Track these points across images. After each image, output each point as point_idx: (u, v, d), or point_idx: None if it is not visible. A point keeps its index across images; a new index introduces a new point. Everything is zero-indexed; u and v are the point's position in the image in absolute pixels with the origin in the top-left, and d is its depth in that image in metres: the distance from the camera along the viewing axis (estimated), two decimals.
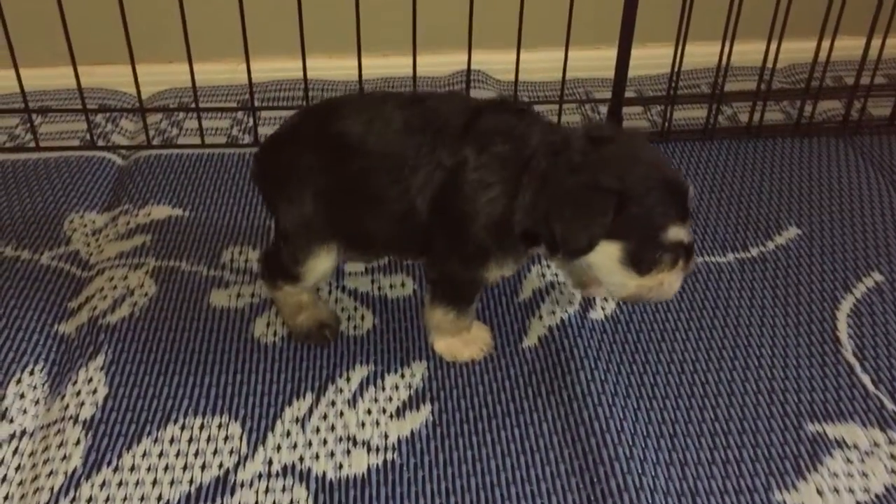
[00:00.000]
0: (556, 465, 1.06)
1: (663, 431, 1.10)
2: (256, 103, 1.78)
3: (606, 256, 1.04)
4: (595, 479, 1.04)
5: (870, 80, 1.68)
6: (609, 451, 1.07)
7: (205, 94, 1.83)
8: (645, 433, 1.10)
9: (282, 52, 1.77)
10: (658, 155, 1.08)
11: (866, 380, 1.17)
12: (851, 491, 1.03)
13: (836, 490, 1.03)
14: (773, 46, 1.61)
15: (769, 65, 1.63)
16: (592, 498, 1.02)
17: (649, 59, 1.78)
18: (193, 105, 1.63)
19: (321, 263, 1.16)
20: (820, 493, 1.03)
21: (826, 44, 1.60)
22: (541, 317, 1.28)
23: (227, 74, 1.86)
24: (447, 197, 1.06)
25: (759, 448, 1.08)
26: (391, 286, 1.34)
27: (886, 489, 1.03)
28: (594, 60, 1.82)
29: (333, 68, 1.87)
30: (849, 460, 1.06)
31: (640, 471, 1.05)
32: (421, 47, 1.62)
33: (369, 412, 1.13)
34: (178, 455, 1.07)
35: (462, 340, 1.20)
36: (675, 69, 1.64)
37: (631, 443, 1.08)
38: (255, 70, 1.62)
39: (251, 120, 1.73)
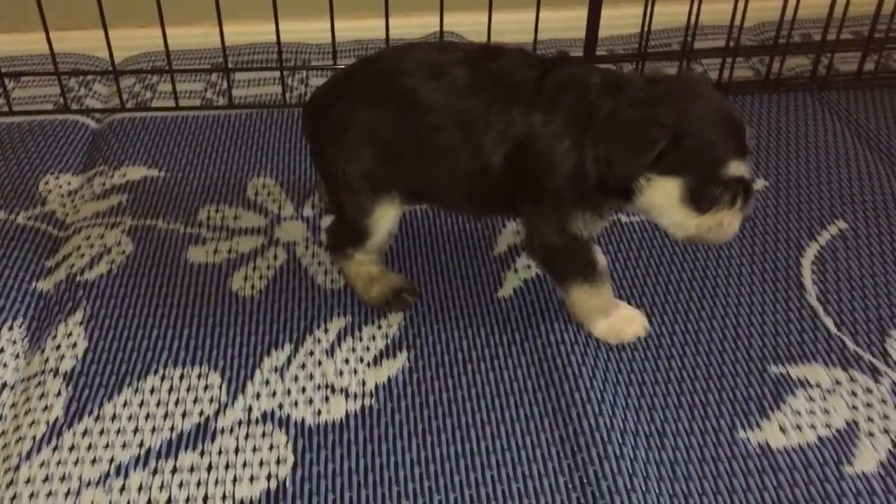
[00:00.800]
0: (529, 408, 1.09)
1: (632, 378, 1.13)
2: (230, 66, 1.79)
3: (666, 194, 1.04)
4: (567, 420, 1.07)
5: (836, 36, 1.71)
6: (581, 395, 1.10)
7: (178, 58, 1.83)
8: (615, 379, 1.13)
9: (255, 16, 1.77)
10: (716, 94, 1.08)
11: (829, 322, 1.21)
12: (813, 427, 1.06)
13: (799, 427, 1.06)
14: (741, 4, 1.64)
15: (737, 22, 1.65)
16: (564, 436, 1.05)
17: (621, 18, 1.81)
18: (167, 67, 1.63)
19: (388, 212, 1.16)
20: (783, 430, 1.06)
21: (793, 1, 1.63)
22: (516, 270, 1.30)
23: (200, 38, 1.86)
24: (522, 154, 1.07)
25: (724, 391, 1.11)
26: None
27: (847, 424, 1.06)
28: (566, 21, 1.83)
29: (307, 31, 1.87)
30: (811, 398, 1.10)
31: (610, 413, 1.08)
32: (394, 9, 1.63)
33: (347, 361, 1.16)
34: (158, 404, 1.09)
35: (621, 318, 1.19)
36: (646, 27, 1.66)
37: (602, 387, 1.11)
38: (229, 34, 1.62)
39: (225, 82, 1.73)
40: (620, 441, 1.04)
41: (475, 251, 1.34)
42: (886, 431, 1.05)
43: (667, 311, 1.23)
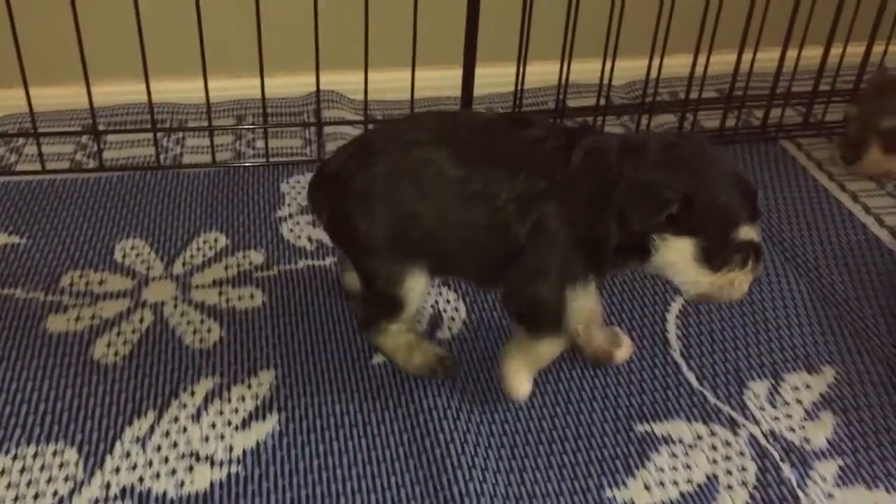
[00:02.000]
0: (401, 476, 1.08)
1: (504, 441, 1.14)
2: (101, 127, 1.74)
3: (680, 253, 1.08)
4: (438, 487, 1.06)
5: (698, 94, 1.79)
6: (453, 460, 1.10)
7: (47, 120, 1.78)
8: (487, 443, 1.13)
9: (126, 75, 1.73)
10: (728, 157, 1.14)
11: (691, 377, 1.24)
12: (675, 483, 1.09)
13: (662, 483, 1.09)
14: (609, 64, 1.70)
15: (606, 81, 1.72)
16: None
17: (496, 77, 1.85)
18: (32, 130, 1.58)
19: (419, 281, 1.16)
20: (647, 487, 1.08)
21: (657, 62, 1.70)
22: None
23: (69, 99, 1.80)
24: (547, 223, 1.09)
25: (592, 450, 1.13)
26: (240, 297, 1.34)
27: (707, 478, 1.09)
28: (443, 79, 1.87)
29: (180, 91, 1.85)
30: (674, 454, 1.13)
31: (481, 478, 1.08)
32: (271, 68, 1.62)
33: (213, 425, 1.13)
34: (8, 486, 1.03)
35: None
36: (519, 86, 1.71)
37: (473, 452, 1.12)
38: (100, 94, 1.59)
39: (96, 145, 1.69)
40: None
41: (350, 315, 1.33)
42: (744, 484, 1.09)
43: (539, 373, 1.24)
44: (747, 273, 1.10)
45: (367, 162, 1.13)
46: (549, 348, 1.17)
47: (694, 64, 1.72)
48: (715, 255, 1.07)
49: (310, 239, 1.49)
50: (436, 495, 1.05)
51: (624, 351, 1.27)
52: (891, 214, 1.63)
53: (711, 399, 1.21)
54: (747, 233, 1.07)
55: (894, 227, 1.58)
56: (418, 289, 1.17)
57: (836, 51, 1.76)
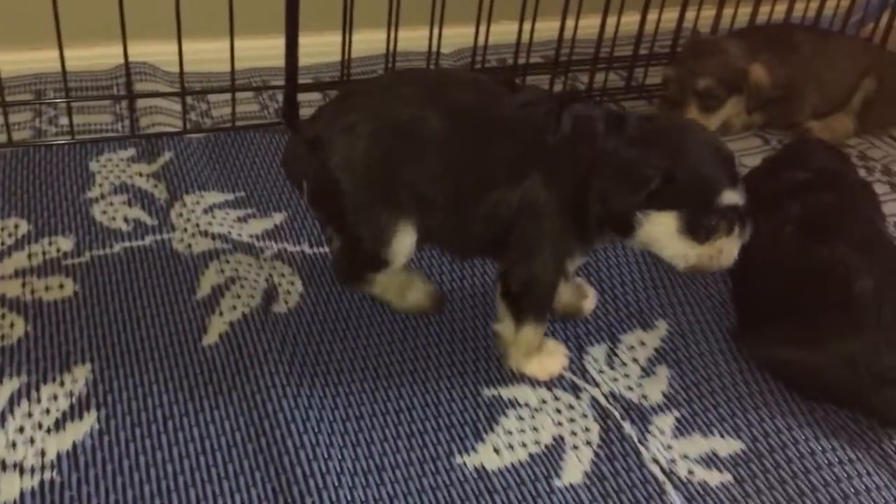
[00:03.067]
0: (238, 463, 1.01)
1: (349, 414, 1.09)
2: None
3: (664, 228, 1.05)
4: (280, 470, 1.01)
5: (525, 60, 1.80)
6: (294, 440, 1.04)
7: None
8: (331, 418, 1.08)
9: None
10: (703, 127, 1.13)
11: None
12: (524, 445, 1.08)
13: (511, 446, 1.08)
14: (437, 32, 1.67)
15: (435, 49, 1.69)
16: (278, 488, 0.99)
17: (322, 46, 1.78)
18: None
19: (406, 236, 1.12)
20: (497, 450, 1.07)
21: (484, 29, 1.69)
22: (221, 313, 1.22)
23: None
24: (537, 194, 1.07)
25: (440, 418, 1.10)
26: (47, 288, 1.22)
27: (554, 439, 1.09)
28: (268, 49, 1.78)
29: None
30: (521, 417, 1.12)
31: (325, 455, 1.03)
32: (71, 39, 1.49)
33: (21, 430, 1.02)
34: None
35: (548, 354, 1.19)
36: (346, 55, 1.65)
37: (317, 429, 1.06)
38: None
39: None
40: (337, 484, 1.00)
41: (176, 295, 1.24)
42: (588, 443, 1.09)
43: (383, 345, 1.20)
44: (734, 239, 1.09)
45: (350, 122, 1.09)
46: (533, 333, 1.15)
47: (520, 30, 1.72)
48: (699, 226, 1.06)
49: (126, 219, 1.38)
50: (278, 478, 1.00)
51: (590, 301, 1.28)
52: None
53: None
54: (730, 197, 1.06)
55: None
56: (406, 243, 1.13)
57: (652, 16, 1.81)
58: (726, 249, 1.09)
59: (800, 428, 1.13)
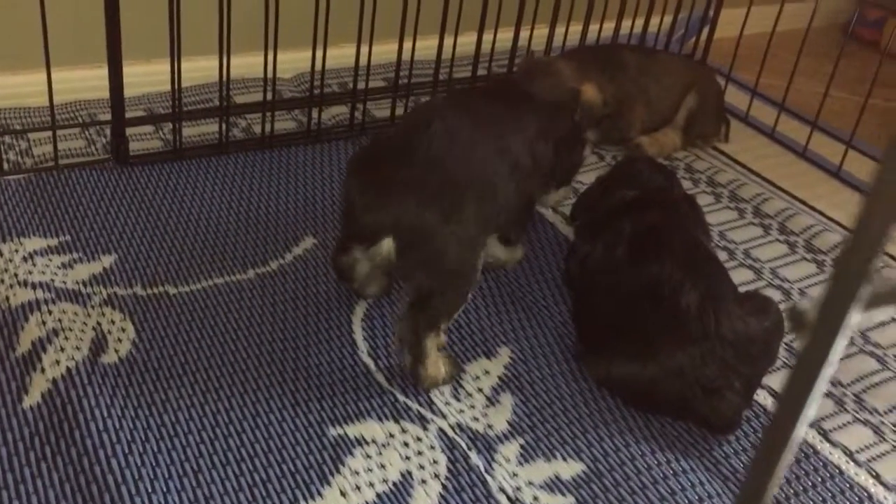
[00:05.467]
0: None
1: (187, 470, 1.05)
2: None
3: None
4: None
5: (365, 84, 1.78)
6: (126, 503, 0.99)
7: None
8: (167, 476, 1.03)
9: None
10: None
11: (381, 378, 1.22)
12: (371, 485, 1.07)
13: (358, 487, 1.06)
14: (271, 57, 1.64)
15: (272, 75, 1.65)
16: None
17: (149, 75, 1.71)
18: None
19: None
20: (343, 493, 1.05)
21: (321, 53, 1.67)
22: (43, 370, 1.15)
23: None
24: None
25: (284, 464, 1.08)
26: None
27: (402, 475, 1.08)
28: (93, 80, 1.69)
29: None
30: (368, 455, 1.10)
31: None
32: None
33: None
34: None
35: (446, 358, 1.24)
36: (176, 85, 1.58)
37: (151, 489, 1.01)
38: None
39: None
40: None
41: None
42: (436, 476, 1.09)
43: (223, 389, 1.16)
44: None
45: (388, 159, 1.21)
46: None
47: (358, 54, 1.70)
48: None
49: None
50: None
51: (519, 251, 1.46)
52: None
53: (401, 398, 1.19)
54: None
55: (558, 208, 1.68)
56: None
57: (488, 37, 1.84)
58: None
59: (636, 444, 1.17)
